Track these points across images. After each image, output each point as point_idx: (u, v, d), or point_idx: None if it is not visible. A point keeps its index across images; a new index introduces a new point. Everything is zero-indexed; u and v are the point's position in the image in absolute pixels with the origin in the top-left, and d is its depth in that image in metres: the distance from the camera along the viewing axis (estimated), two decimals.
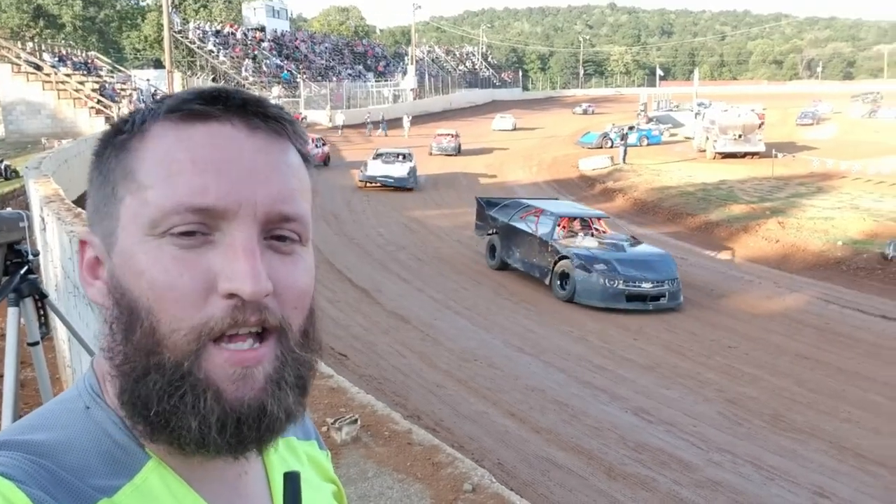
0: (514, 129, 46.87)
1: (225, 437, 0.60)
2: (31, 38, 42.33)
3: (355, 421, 4.38)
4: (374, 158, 25.70)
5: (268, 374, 0.61)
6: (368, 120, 42.47)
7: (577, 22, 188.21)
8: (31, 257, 2.46)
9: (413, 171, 24.94)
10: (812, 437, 7.93)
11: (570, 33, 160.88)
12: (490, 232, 15.47)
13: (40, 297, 2.51)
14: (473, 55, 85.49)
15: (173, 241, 0.59)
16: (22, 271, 2.43)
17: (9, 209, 2.89)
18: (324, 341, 0.71)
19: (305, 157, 0.69)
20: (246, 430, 0.60)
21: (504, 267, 14.81)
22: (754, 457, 7.38)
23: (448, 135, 35.05)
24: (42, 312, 2.52)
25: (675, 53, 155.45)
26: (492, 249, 15.22)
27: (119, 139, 0.64)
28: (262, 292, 0.59)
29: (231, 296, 0.59)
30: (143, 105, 0.68)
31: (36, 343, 2.54)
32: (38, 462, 0.57)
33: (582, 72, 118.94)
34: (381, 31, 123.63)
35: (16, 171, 23.63)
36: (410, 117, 44.12)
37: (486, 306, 12.48)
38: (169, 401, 0.59)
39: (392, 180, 24.22)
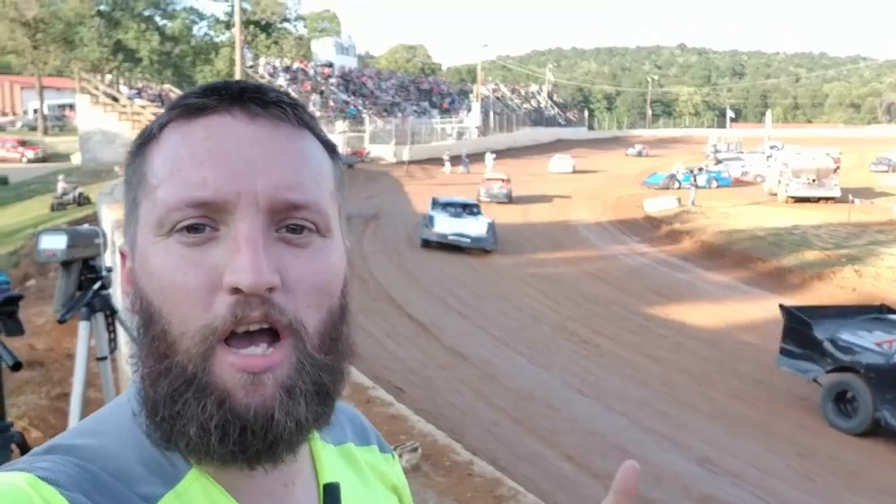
0: (574, 171, 43.44)
1: (227, 446, 0.57)
2: (110, 71, 44.44)
3: (416, 449, 4.33)
4: (436, 209, 21.42)
5: (280, 381, 0.58)
6: (447, 157, 42.10)
7: (646, 62, 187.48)
8: (104, 273, 2.51)
9: (492, 227, 20.82)
10: (891, 497, 7.49)
11: (639, 73, 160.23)
12: (831, 369, 9.68)
13: (111, 313, 2.56)
14: (539, 93, 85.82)
15: (179, 240, 0.58)
16: (95, 286, 2.48)
17: (86, 225, 2.97)
18: (355, 345, 0.66)
19: (325, 143, 0.67)
20: (251, 438, 0.57)
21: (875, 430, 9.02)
22: None
23: (499, 179, 31.29)
24: (112, 328, 2.56)
25: (746, 95, 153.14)
26: (843, 399, 9.41)
27: (136, 146, 0.64)
28: (263, 284, 0.56)
29: (234, 290, 0.56)
30: None
31: (104, 358, 2.58)
32: (83, 466, 0.56)
33: (650, 112, 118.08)
34: (447, 68, 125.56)
35: (88, 199, 24.68)
36: (494, 155, 43.63)
37: (546, 345, 12.31)
38: (173, 406, 0.57)
39: (468, 240, 19.99)
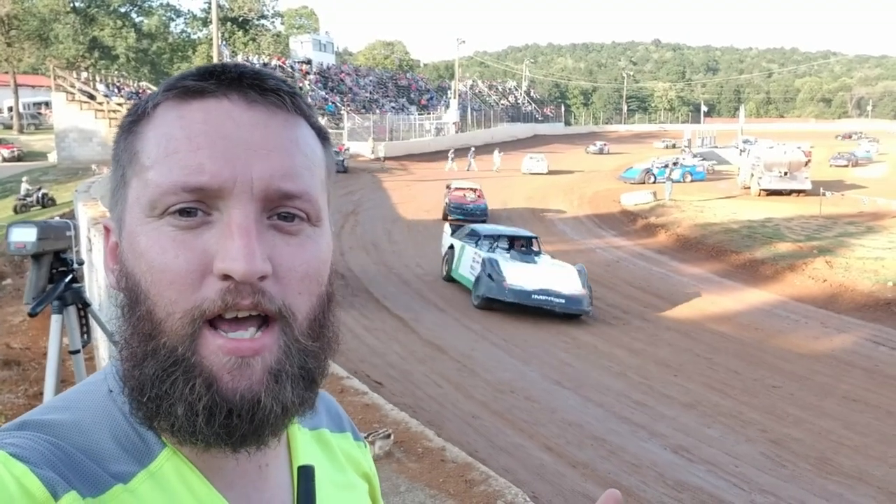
0: (549, 172, 40.01)
1: (213, 427, 0.57)
2: (86, 69, 43.88)
3: (388, 436, 4.36)
4: (482, 245, 15.51)
5: (267, 365, 0.59)
6: (452, 153, 41.91)
7: (621, 58, 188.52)
8: (75, 266, 2.51)
9: (584, 277, 14.07)
10: (860, 482, 7.63)
11: (614, 69, 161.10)
12: None
13: (83, 306, 2.56)
14: (516, 90, 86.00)
15: (171, 222, 0.58)
16: (67, 279, 2.48)
17: (56, 218, 2.97)
18: (339, 333, 0.68)
19: (319, 132, 0.67)
20: (237, 421, 0.58)
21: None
22: (799, 500, 7.12)
23: (468, 189, 25.01)
24: (84, 321, 2.56)
25: (720, 90, 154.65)
26: None
27: (126, 123, 0.64)
28: (255, 273, 0.57)
29: (225, 277, 0.57)
30: None
31: (77, 351, 2.58)
32: (55, 444, 0.56)
33: (625, 107, 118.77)
34: (424, 65, 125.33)
35: (52, 199, 24.33)
36: (502, 152, 43.61)
37: (524, 338, 12.37)
38: (161, 386, 0.58)
39: (562, 301, 13.51)
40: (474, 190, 24.97)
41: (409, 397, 9.09)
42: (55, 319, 2.53)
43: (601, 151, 56.68)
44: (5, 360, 7.95)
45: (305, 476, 0.68)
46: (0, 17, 43.84)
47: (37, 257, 2.43)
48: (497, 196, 29.01)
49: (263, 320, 0.59)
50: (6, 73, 49.82)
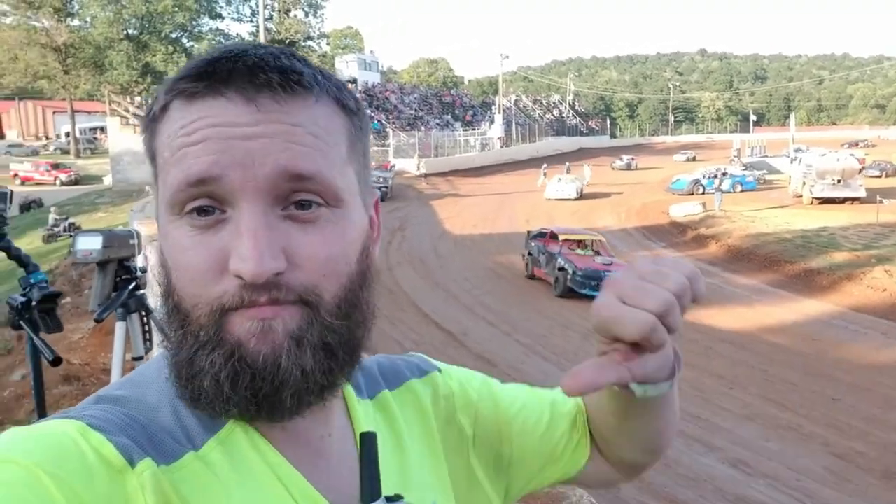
0: (580, 196, 33.87)
1: (239, 392, 0.59)
2: (139, 94, 45.16)
3: None
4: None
5: (289, 329, 0.59)
6: (545, 169, 40.74)
7: (667, 69, 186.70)
8: (139, 274, 2.57)
9: None
10: None
11: (660, 80, 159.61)
12: None
13: (146, 313, 2.62)
14: (560, 103, 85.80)
15: (190, 222, 0.60)
16: (130, 287, 2.54)
17: (120, 227, 3.04)
18: (374, 310, 0.67)
19: (337, 100, 0.64)
20: (260, 383, 0.59)
21: None
22: None
23: (584, 242, 18.40)
24: (147, 328, 2.62)
25: (769, 99, 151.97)
26: None
27: (146, 122, 0.65)
28: (264, 274, 0.57)
29: (238, 276, 0.58)
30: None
31: (140, 358, 2.64)
32: (129, 415, 0.60)
33: (672, 118, 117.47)
34: (468, 81, 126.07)
35: (79, 228, 24.90)
36: (591, 167, 42.32)
37: (574, 352, 12.24)
38: (191, 368, 0.60)
39: None
40: (596, 244, 18.23)
41: None
42: (119, 326, 2.59)
43: (629, 167, 52.33)
44: (65, 376, 8.15)
45: (368, 442, 0.68)
46: (57, 46, 45.45)
47: (102, 265, 2.50)
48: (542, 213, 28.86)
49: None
50: (63, 99, 51.61)
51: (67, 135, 56.03)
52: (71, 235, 24.64)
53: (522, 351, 12.16)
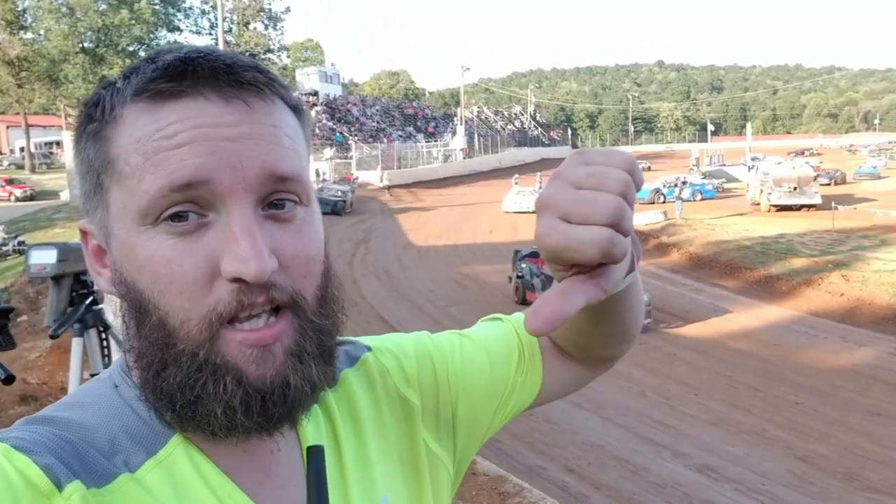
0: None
1: (252, 418, 0.57)
2: None
3: None
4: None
5: (287, 348, 0.58)
6: (517, 179, 40.11)
7: (626, 80, 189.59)
8: (96, 288, 2.49)
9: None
10: (889, 497, 7.48)
11: (619, 91, 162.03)
12: None
13: (104, 329, 2.53)
14: (522, 115, 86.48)
15: (168, 230, 0.56)
16: (87, 301, 2.45)
17: (76, 240, 2.95)
18: (344, 304, 0.66)
19: (294, 108, 0.64)
20: (272, 406, 0.57)
21: None
22: None
23: None
24: (105, 344, 2.53)
25: (725, 109, 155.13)
26: None
27: (91, 128, 0.60)
28: (267, 272, 0.55)
29: (236, 279, 0.55)
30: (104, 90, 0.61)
31: (98, 374, 2.54)
32: (60, 436, 0.56)
33: (632, 129, 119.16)
34: (430, 93, 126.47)
35: (28, 245, 24.31)
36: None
37: None
38: (192, 392, 0.57)
39: None
40: None
41: None
42: (76, 342, 2.49)
43: None
44: (22, 396, 7.92)
45: (315, 457, 0.66)
46: (10, 59, 44.44)
47: (57, 279, 2.41)
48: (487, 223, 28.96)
49: (275, 309, 0.58)
50: (17, 113, 50.49)
51: (22, 150, 54.70)
52: (21, 253, 24.09)
53: None
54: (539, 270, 15.89)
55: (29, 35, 47.18)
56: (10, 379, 2.00)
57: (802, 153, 65.45)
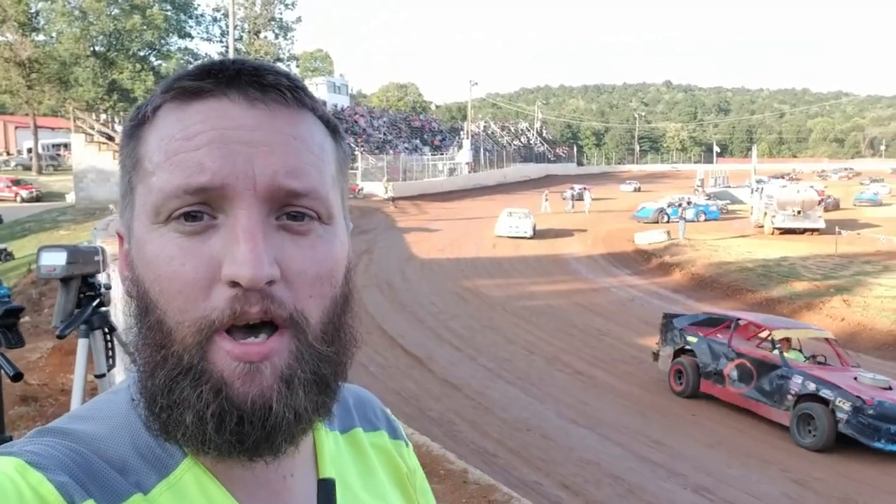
0: (533, 235, 28.94)
1: (223, 435, 0.56)
2: (105, 111, 44.58)
3: None
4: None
5: (278, 370, 0.57)
6: (546, 195, 41.52)
7: (633, 99, 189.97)
8: (102, 290, 2.53)
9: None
10: None
11: (626, 110, 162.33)
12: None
13: (110, 330, 2.57)
14: (528, 130, 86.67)
15: (177, 228, 0.57)
16: (94, 303, 2.50)
17: (85, 243, 3.00)
18: (357, 335, 0.66)
19: (327, 123, 0.64)
20: (248, 428, 0.56)
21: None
22: None
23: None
24: (110, 346, 2.57)
25: (732, 130, 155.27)
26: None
27: (129, 127, 0.62)
28: (262, 278, 0.55)
29: (233, 284, 0.55)
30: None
31: (102, 375, 2.58)
32: (75, 450, 0.56)
33: (637, 148, 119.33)
34: (437, 106, 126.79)
35: (11, 255, 24.51)
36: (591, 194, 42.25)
37: (539, 376, 12.27)
38: (170, 395, 0.56)
39: None
40: (812, 345, 11.96)
41: (424, 434, 9.00)
42: (82, 343, 2.54)
43: (581, 198, 43.38)
44: (23, 397, 7.95)
45: (326, 491, 0.66)
46: (21, 61, 44.74)
47: (65, 281, 2.46)
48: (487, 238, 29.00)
49: (274, 327, 0.57)
50: (26, 114, 50.73)
51: (30, 151, 54.98)
52: (4, 261, 24.11)
53: (487, 375, 12.15)
54: (732, 351, 11.04)
55: (41, 37, 47.54)
56: (18, 376, 2.04)
57: (783, 176, 65.36)
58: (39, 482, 0.51)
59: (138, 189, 0.60)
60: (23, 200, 39.74)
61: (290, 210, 0.59)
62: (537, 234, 29.34)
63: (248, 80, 0.59)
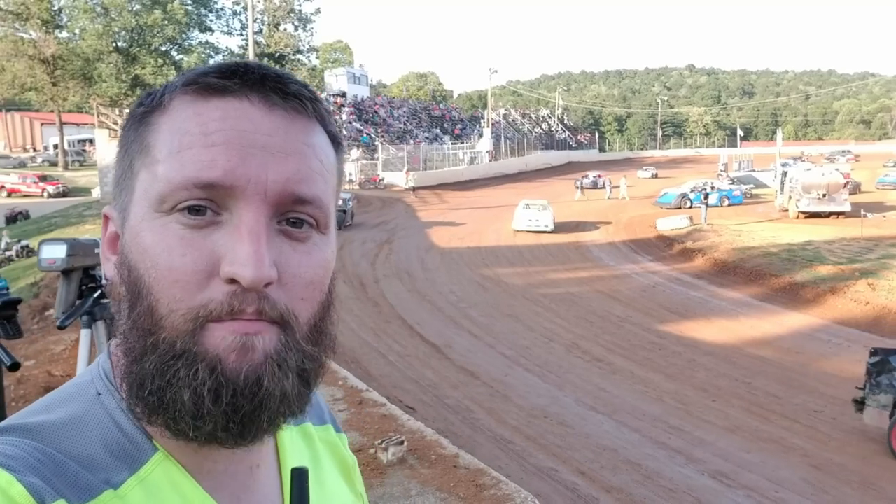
0: (552, 229, 27.56)
1: (220, 407, 0.57)
2: (128, 106, 45.01)
3: (401, 442, 4.42)
4: None
5: (268, 350, 0.58)
6: (579, 183, 41.43)
7: (655, 84, 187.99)
8: (104, 282, 2.58)
9: None
10: None
11: (648, 95, 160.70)
12: None
13: (111, 321, 2.63)
14: (549, 117, 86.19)
15: (180, 220, 0.58)
16: (95, 295, 2.55)
17: (86, 236, 3.06)
18: (338, 339, 0.68)
19: (334, 138, 0.67)
20: (241, 400, 0.57)
21: None
22: None
23: None
24: (112, 336, 2.62)
25: (756, 114, 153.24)
26: None
27: (140, 111, 0.63)
28: (263, 280, 0.56)
29: (232, 281, 0.56)
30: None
31: None
32: (40, 449, 0.55)
33: (660, 133, 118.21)
34: (458, 95, 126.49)
35: (32, 250, 24.88)
36: (627, 180, 41.20)
37: (558, 364, 12.27)
38: (163, 377, 0.57)
39: None
40: None
41: (442, 422, 9.06)
42: (84, 334, 2.60)
43: (595, 185, 44.99)
44: (46, 388, 8.14)
45: (299, 479, 0.67)
46: (45, 58, 45.34)
47: (66, 273, 2.51)
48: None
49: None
50: (52, 111, 51.43)
51: (55, 147, 55.80)
52: (26, 257, 24.50)
53: (506, 363, 12.17)
54: None
55: (64, 34, 48.12)
56: (15, 366, 2.10)
57: (797, 160, 64.22)
58: (9, 483, 0.51)
59: (141, 174, 0.61)
60: (50, 196, 40.41)
61: (291, 216, 0.61)
62: (558, 227, 28.17)
63: (271, 85, 0.61)
